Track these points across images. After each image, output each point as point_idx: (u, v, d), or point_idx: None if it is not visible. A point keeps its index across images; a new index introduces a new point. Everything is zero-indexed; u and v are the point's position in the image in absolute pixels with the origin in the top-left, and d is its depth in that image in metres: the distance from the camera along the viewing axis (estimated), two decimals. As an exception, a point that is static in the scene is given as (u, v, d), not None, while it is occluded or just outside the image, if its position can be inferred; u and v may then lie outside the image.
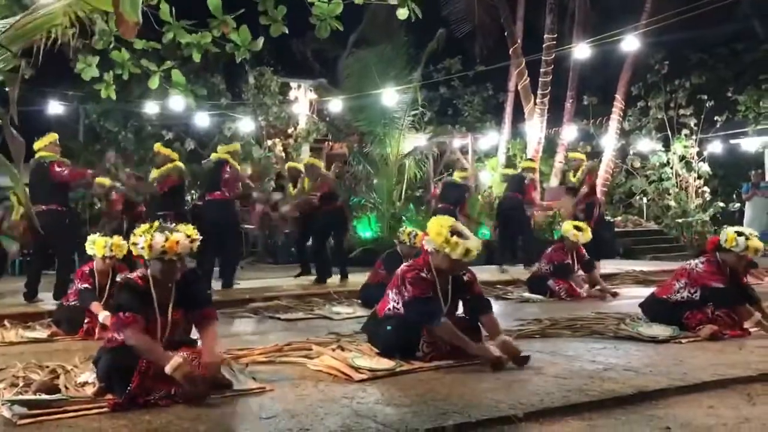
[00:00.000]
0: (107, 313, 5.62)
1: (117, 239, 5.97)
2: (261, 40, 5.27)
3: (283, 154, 15.15)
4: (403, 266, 4.67)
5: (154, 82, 5.90)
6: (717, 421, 3.27)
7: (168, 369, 3.48)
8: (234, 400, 3.65)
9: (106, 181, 9.33)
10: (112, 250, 5.86)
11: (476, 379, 4.05)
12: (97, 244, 5.91)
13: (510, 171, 12.79)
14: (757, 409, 3.45)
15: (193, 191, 13.11)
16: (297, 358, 4.59)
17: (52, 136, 7.77)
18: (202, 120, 13.57)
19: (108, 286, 5.92)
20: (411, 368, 4.22)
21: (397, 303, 4.53)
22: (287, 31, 5.13)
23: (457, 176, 11.23)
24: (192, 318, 3.90)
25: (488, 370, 4.22)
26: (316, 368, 4.30)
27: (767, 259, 12.45)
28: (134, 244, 3.79)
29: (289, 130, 15.64)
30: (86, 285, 5.91)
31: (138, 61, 5.89)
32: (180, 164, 8.65)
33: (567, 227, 8.22)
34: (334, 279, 9.26)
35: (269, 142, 14.92)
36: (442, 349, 4.41)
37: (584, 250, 8.25)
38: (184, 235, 3.79)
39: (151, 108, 12.76)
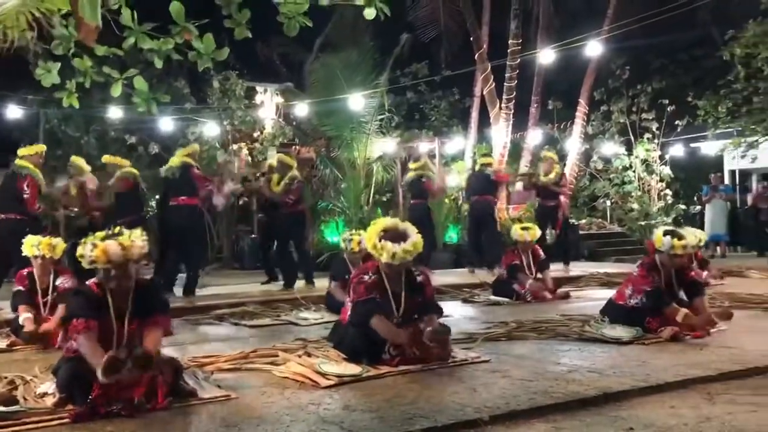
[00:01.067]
0: (28, 314, 5.53)
1: (48, 239, 5.83)
2: (226, 51, 5.20)
3: (249, 159, 15.03)
4: (354, 272, 4.73)
5: (116, 90, 5.77)
6: (678, 421, 3.33)
7: (99, 373, 3.41)
8: (198, 408, 3.61)
9: (85, 166, 9.01)
10: (40, 250, 5.72)
11: (443, 382, 4.06)
12: (26, 244, 5.79)
13: (474, 169, 12.77)
14: (717, 408, 3.52)
15: (157, 197, 12.91)
16: (263, 365, 4.55)
17: (39, 147, 7.92)
18: (166, 124, 13.40)
19: (50, 290, 5.79)
20: (378, 373, 4.22)
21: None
22: (251, 35, 5.08)
23: (412, 167, 11.19)
24: (146, 326, 3.80)
25: (455, 374, 4.24)
26: (283, 375, 4.27)
27: (729, 261, 12.76)
28: (81, 256, 3.70)
29: (255, 134, 15.51)
30: (20, 287, 5.79)
31: (100, 69, 5.77)
32: (128, 168, 8.64)
33: (514, 228, 8.34)
34: (300, 284, 9.21)
35: (235, 147, 14.78)
36: (408, 352, 4.42)
37: (540, 251, 8.35)
38: (135, 239, 3.72)
39: (114, 112, 12.56)
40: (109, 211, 8.54)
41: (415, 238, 4.57)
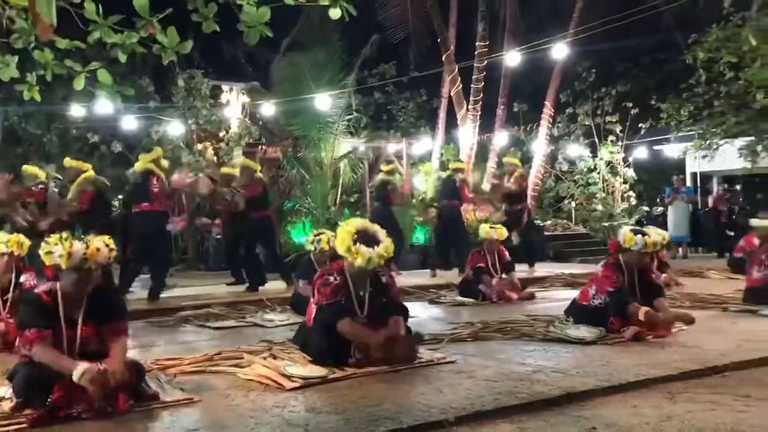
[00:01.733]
0: None
1: (16, 237, 5.71)
2: (190, 43, 5.14)
3: (215, 158, 14.87)
4: (318, 273, 4.71)
5: (79, 83, 5.67)
6: (641, 420, 3.37)
7: (75, 376, 3.34)
8: (160, 412, 3.55)
9: (39, 173, 8.84)
10: (8, 247, 5.60)
11: (408, 384, 4.06)
12: None
13: (445, 173, 12.85)
14: (678, 407, 3.57)
15: (119, 197, 12.71)
16: (227, 367, 4.51)
17: None
18: (130, 123, 13.20)
19: (12, 287, 5.66)
20: (344, 375, 4.20)
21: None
22: (218, 29, 5.01)
23: (383, 169, 11.27)
24: (103, 332, 3.71)
25: (420, 376, 4.24)
26: (247, 377, 4.23)
27: (690, 262, 12.99)
28: (49, 252, 3.60)
29: (221, 134, 15.37)
30: None
31: (62, 62, 5.66)
32: (91, 174, 8.51)
33: (483, 228, 8.42)
34: (270, 286, 9.12)
35: (200, 146, 14.62)
36: (374, 354, 4.40)
37: (506, 253, 8.42)
38: (104, 244, 3.66)
39: (76, 110, 12.33)
40: (74, 216, 8.42)
41: (386, 241, 4.57)
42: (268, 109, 14.14)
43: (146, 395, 3.63)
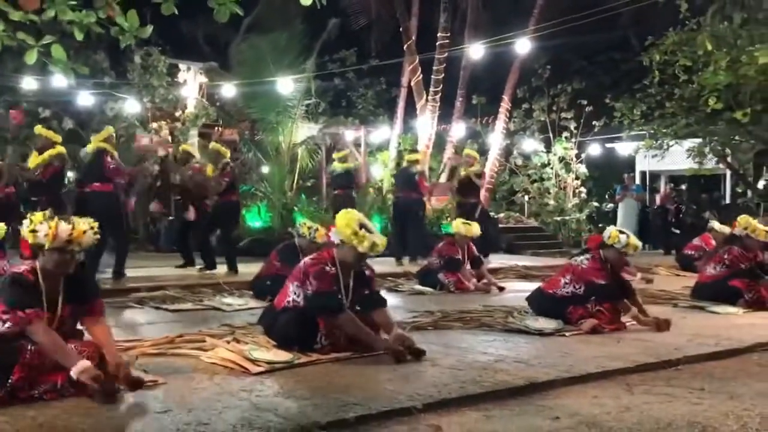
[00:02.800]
0: None
1: None
2: (149, 29, 5.02)
3: (170, 138, 14.59)
4: (307, 260, 4.68)
5: (31, 57, 5.47)
6: (601, 410, 3.47)
7: (74, 372, 3.27)
8: (124, 393, 3.49)
9: None
10: None
11: (374, 370, 4.08)
12: None
13: (401, 164, 12.92)
14: (636, 399, 3.69)
15: (71, 174, 12.37)
16: (190, 350, 4.45)
17: None
18: (84, 99, 12.85)
19: None
20: (309, 360, 4.20)
21: (298, 296, 4.52)
22: (177, 12, 4.92)
23: (336, 157, 11.25)
24: (79, 312, 3.67)
25: (385, 362, 4.27)
26: (211, 361, 4.19)
27: (638, 259, 13.32)
28: (33, 231, 3.49)
29: (177, 113, 15.09)
30: None
31: (14, 33, 5.45)
32: (62, 150, 8.32)
33: (457, 224, 8.48)
34: (220, 270, 9.02)
35: (155, 125, 14.32)
36: (340, 340, 4.42)
37: (474, 248, 8.54)
38: (89, 226, 3.58)
39: (27, 83, 11.93)
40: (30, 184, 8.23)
41: (381, 235, 4.64)
42: (226, 90, 13.95)
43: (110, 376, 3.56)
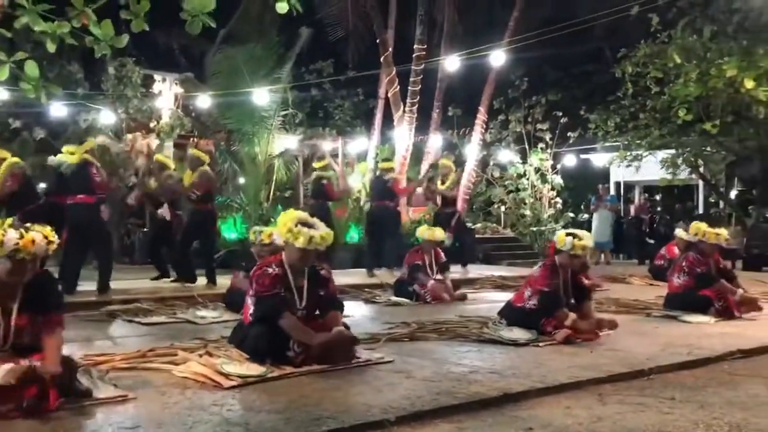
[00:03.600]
0: None
1: None
2: (125, 38, 4.96)
3: (145, 150, 14.48)
4: (256, 265, 4.68)
5: (2, 74, 5.39)
6: (574, 420, 3.48)
7: None
8: (93, 409, 3.44)
9: None
10: None
11: (347, 383, 4.06)
12: None
13: (375, 173, 12.90)
14: (608, 409, 3.71)
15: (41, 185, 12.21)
16: (161, 364, 4.40)
17: None
18: (57, 110, 12.71)
19: None
20: (282, 373, 4.17)
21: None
22: (148, 28, 4.86)
23: (316, 166, 11.23)
24: (38, 324, 3.58)
25: (359, 375, 4.25)
26: (183, 375, 4.14)
27: (613, 268, 13.46)
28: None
29: (152, 125, 14.98)
30: None
31: (-16, 47, 5.37)
32: (15, 160, 8.25)
33: (421, 229, 8.53)
34: (199, 283, 8.94)
35: (129, 136, 14.21)
36: (313, 350, 4.38)
37: (442, 254, 8.56)
38: (41, 235, 3.52)
39: (-2, 94, 11.78)
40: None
41: (326, 228, 4.60)
42: (201, 101, 13.87)
43: (78, 392, 3.50)
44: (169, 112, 15.22)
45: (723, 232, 7.02)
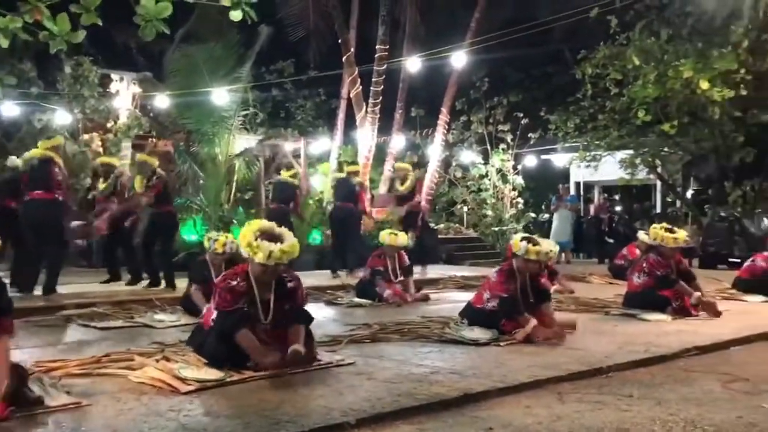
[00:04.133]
0: None
1: None
2: (82, 33, 4.84)
3: (101, 150, 14.21)
4: (221, 275, 4.57)
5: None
6: (533, 420, 3.49)
7: None
8: (45, 417, 3.34)
9: None
10: None
11: (308, 386, 4.02)
12: None
13: (340, 175, 12.88)
14: (568, 407, 3.73)
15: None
16: (117, 369, 4.30)
17: None
18: (9, 109, 12.40)
19: None
20: (241, 378, 4.10)
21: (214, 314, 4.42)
22: (100, 23, 4.74)
23: (285, 175, 11.21)
24: None
25: (320, 378, 4.22)
26: (139, 380, 4.05)
27: (573, 267, 13.62)
28: None
29: (109, 125, 14.71)
30: None
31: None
32: None
33: (383, 234, 8.51)
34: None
35: (86, 136, 13.93)
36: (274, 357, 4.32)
37: (406, 257, 8.56)
38: None
39: (-53, 92, 11.45)
40: None
41: (292, 240, 4.46)
42: (160, 100, 13.68)
43: (29, 400, 3.39)
44: (127, 112, 15.00)
45: (681, 235, 7.13)
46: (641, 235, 9.48)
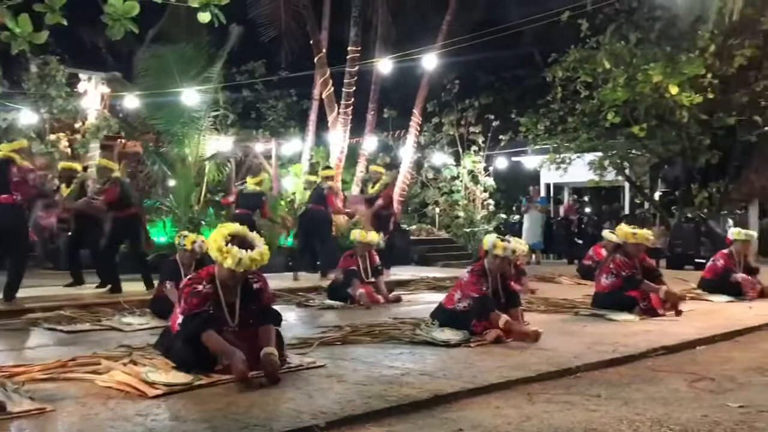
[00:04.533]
0: None
1: None
2: (45, 34, 4.74)
3: (69, 151, 13.98)
4: (186, 278, 4.53)
5: None
6: (503, 420, 3.51)
7: None
8: (7, 424, 3.27)
9: None
10: None
11: (278, 389, 3.99)
12: None
13: (313, 178, 12.87)
14: (537, 408, 3.76)
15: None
16: (83, 374, 4.22)
17: None
18: (-28, 109, 12.15)
19: None
20: (210, 381, 4.05)
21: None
22: (65, 23, 4.66)
23: (250, 183, 11.18)
24: None
25: (290, 380, 4.19)
26: (106, 384, 3.98)
27: (543, 268, 13.73)
28: None
29: (77, 125, 14.48)
30: None
31: None
32: None
33: (353, 232, 8.55)
34: (128, 288, 8.64)
35: (53, 137, 13.69)
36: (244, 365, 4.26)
37: (377, 257, 8.57)
38: None
39: None
40: None
41: (263, 247, 4.41)
42: (129, 101, 13.51)
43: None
44: (95, 113, 14.77)
45: (643, 233, 7.22)
46: (606, 234, 9.60)
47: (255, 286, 4.53)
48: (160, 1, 4.84)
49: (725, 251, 8.75)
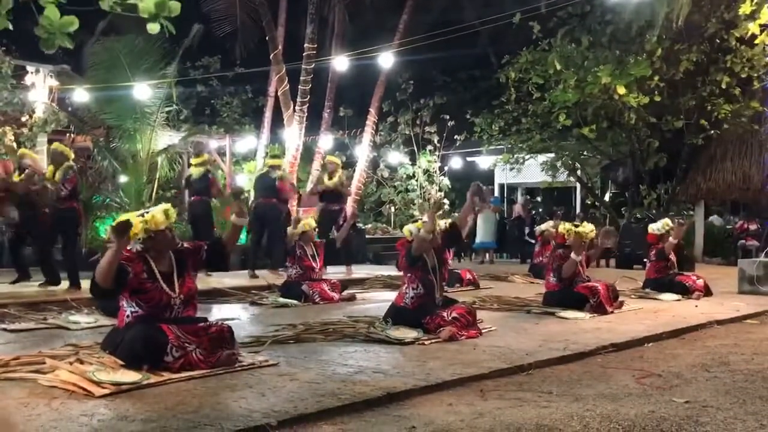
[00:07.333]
0: None
1: None
2: None
3: (15, 144, 13.55)
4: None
5: None
6: (456, 417, 3.53)
7: None
8: (-56, 426, 3.15)
9: None
10: None
11: (229, 388, 3.94)
12: None
13: (262, 170, 12.59)
14: (489, 404, 3.79)
15: None
16: (26, 373, 4.09)
17: None
18: None
19: None
20: (160, 380, 3.97)
21: (131, 305, 4.37)
22: (11, 27, 4.51)
23: (193, 165, 10.88)
24: None
25: (242, 379, 4.13)
26: (50, 384, 3.87)
27: (496, 267, 13.87)
28: None
29: (23, 119, 14.04)
30: None
31: None
32: None
33: (302, 222, 8.44)
34: (64, 286, 8.38)
35: (-3, 131, 13.26)
36: (193, 352, 4.20)
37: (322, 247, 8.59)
38: None
39: None
40: None
41: (164, 205, 4.54)
42: (78, 94, 13.15)
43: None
44: (43, 106, 14.32)
45: (584, 229, 7.36)
46: (543, 226, 9.82)
47: (184, 247, 4.70)
48: (107, 9, 4.65)
49: (653, 250, 8.96)
